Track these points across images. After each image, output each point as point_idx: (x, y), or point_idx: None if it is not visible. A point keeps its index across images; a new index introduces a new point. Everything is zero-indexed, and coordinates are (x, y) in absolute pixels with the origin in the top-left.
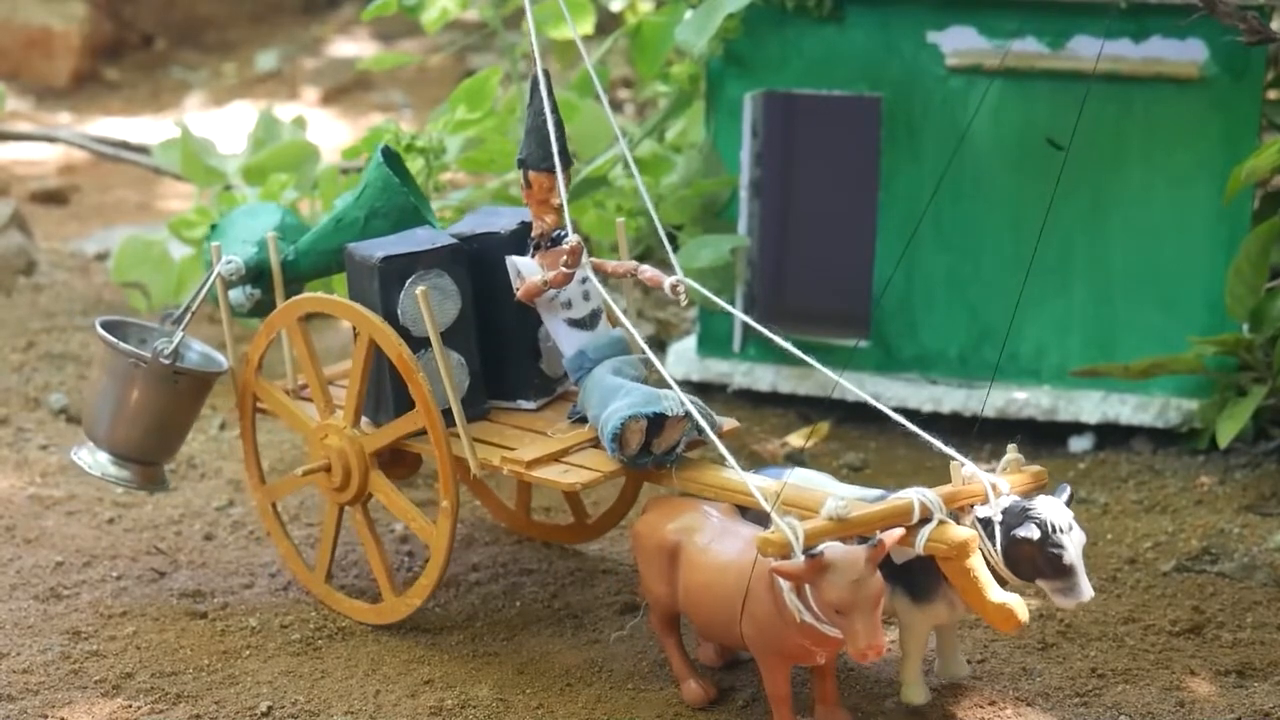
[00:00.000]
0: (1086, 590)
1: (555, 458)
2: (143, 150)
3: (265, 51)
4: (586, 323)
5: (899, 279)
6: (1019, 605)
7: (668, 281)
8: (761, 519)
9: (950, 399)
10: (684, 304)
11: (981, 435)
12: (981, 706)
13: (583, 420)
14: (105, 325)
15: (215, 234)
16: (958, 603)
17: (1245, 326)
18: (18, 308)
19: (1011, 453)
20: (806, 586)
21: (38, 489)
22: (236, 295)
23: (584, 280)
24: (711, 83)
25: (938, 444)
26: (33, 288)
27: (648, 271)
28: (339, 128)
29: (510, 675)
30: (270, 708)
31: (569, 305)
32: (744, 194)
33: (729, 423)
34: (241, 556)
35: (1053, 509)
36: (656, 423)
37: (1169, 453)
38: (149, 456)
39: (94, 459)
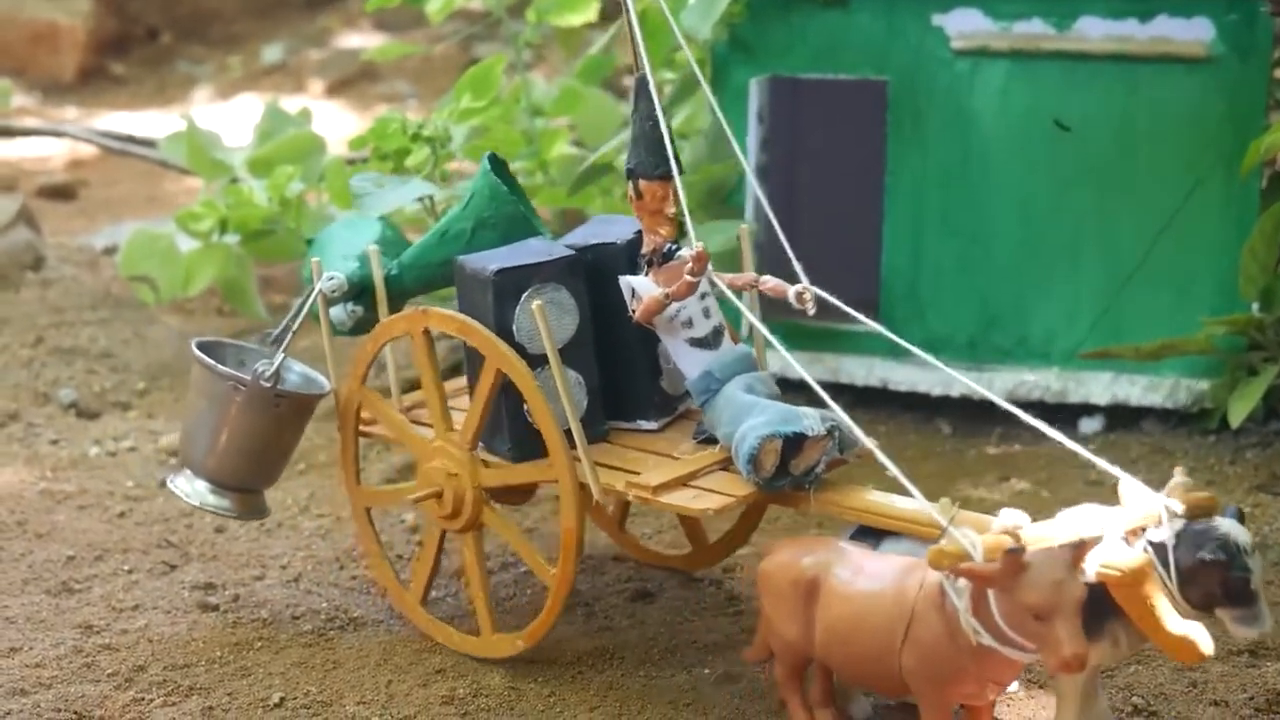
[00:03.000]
0: (1268, 619)
1: (683, 482)
2: (149, 144)
3: (270, 44)
4: (709, 341)
5: (906, 264)
6: (1202, 635)
7: (792, 291)
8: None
9: (959, 382)
10: (811, 312)
11: (992, 418)
12: None
13: (710, 440)
14: (201, 347)
15: (313, 249)
16: (1122, 640)
17: (1256, 306)
18: (26, 303)
19: (1179, 475)
20: (992, 603)
21: (49, 484)
22: (337, 313)
23: (703, 295)
24: (717, 68)
25: (1102, 463)
26: (41, 283)
27: (770, 282)
28: (345, 119)
29: (521, 664)
30: (283, 699)
31: (690, 324)
32: (751, 179)
33: (867, 441)
34: (253, 549)
35: (1236, 530)
36: (794, 442)
37: (1179, 434)
38: (249, 483)
39: (192, 487)
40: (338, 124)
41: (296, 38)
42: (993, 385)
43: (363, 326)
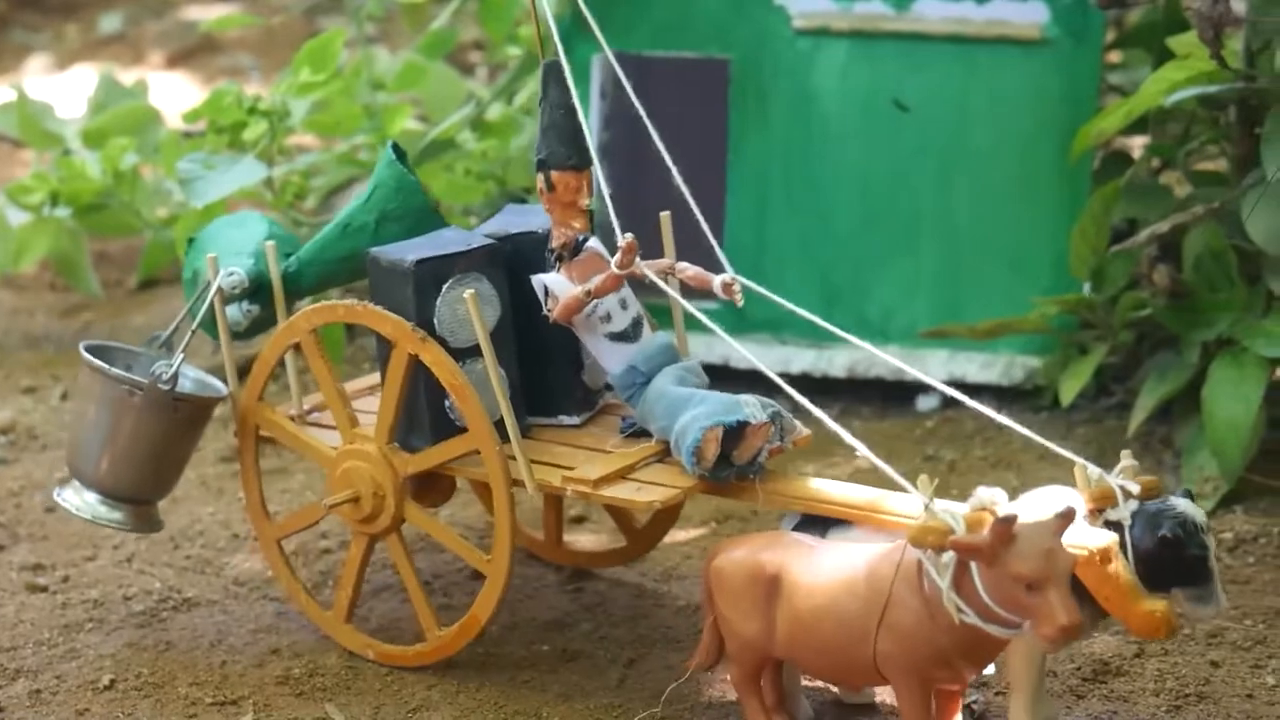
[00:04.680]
0: (1223, 598)
1: (621, 475)
2: None
3: (109, 14)
4: (630, 334)
5: (750, 241)
6: (1169, 610)
7: (717, 281)
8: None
9: (799, 360)
10: (739, 304)
11: (833, 395)
12: None
13: (641, 433)
14: (89, 350)
15: (195, 248)
16: (1086, 624)
17: (1087, 286)
18: None
19: (1126, 459)
20: (976, 578)
21: None
22: (232, 313)
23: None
24: (560, 45)
25: (1053, 446)
26: None
27: (689, 270)
28: (186, 91)
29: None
30: (113, 681)
31: (608, 319)
32: (594, 157)
33: (802, 430)
34: (84, 529)
35: (1191, 509)
36: (735, 431)
37: (1014, 410)
38: (142, 494)
39: (82, 500)
40: (178, 97)
41: (136, 7)
42: (833, 363)
43: (259, 327)
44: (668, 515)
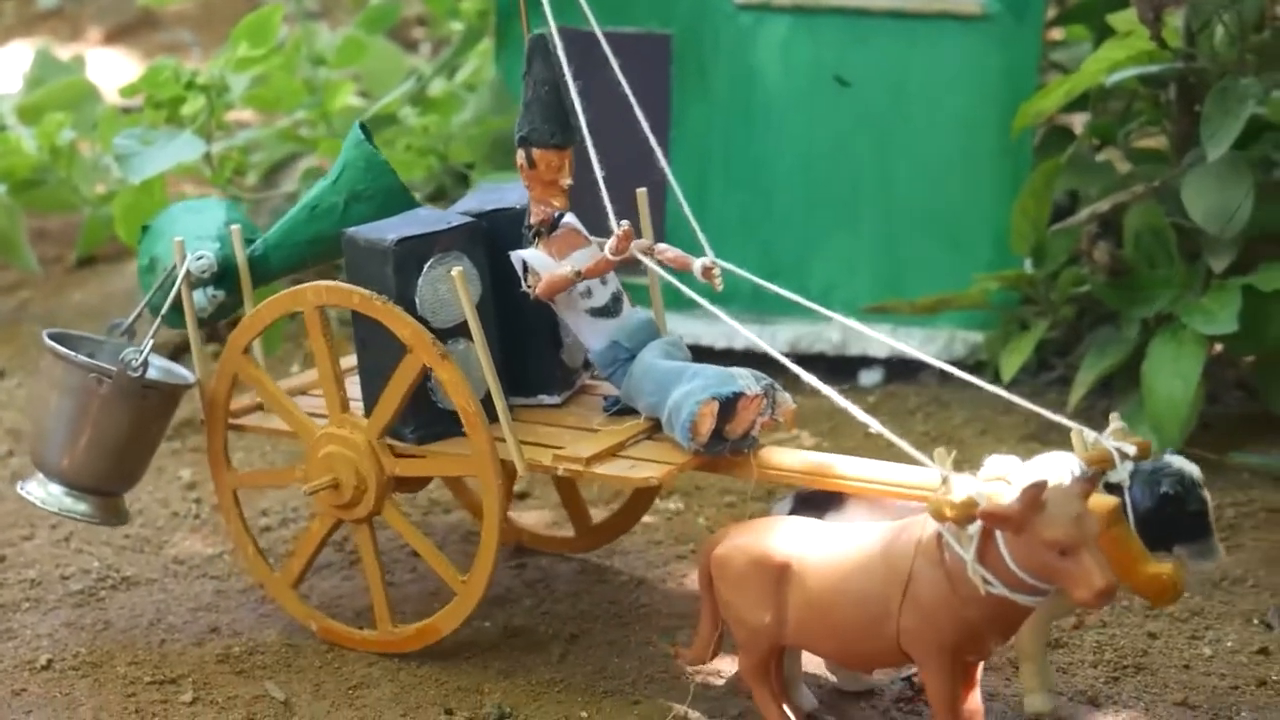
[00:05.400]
0: (1221, 550)
1: (612, 452)
2: None
3: None
4: (611, 309)
5: (692, 217)
6: (1177, 573)
7: (698, 264)
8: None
9: (742, 335)
10: (719, 289)
11: (775, 370)
12: None
13: (626, 411)
14: (52, 338)
15: (151, 234)
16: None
17: (1028, 262)
18: None
19: (1115, 421)
20: (1002, 547)
21: None
22: (197, 298)
23: None
24: (501, 19)
25: (1045, 412)
26: None
27: (669, 252)
28: (125, 67)
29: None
30: (50, 660)
31: (589, 294)
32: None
33: (789, 403)
34: (20, 508)
35: (1188, 465)
36: (728, 404)
37: (955, 385)
38: (109, 485)
39: (46, 492)
40: (117, 73)
41: None
42: (775, 338)
43: (224, 312)
44: (638, 505)
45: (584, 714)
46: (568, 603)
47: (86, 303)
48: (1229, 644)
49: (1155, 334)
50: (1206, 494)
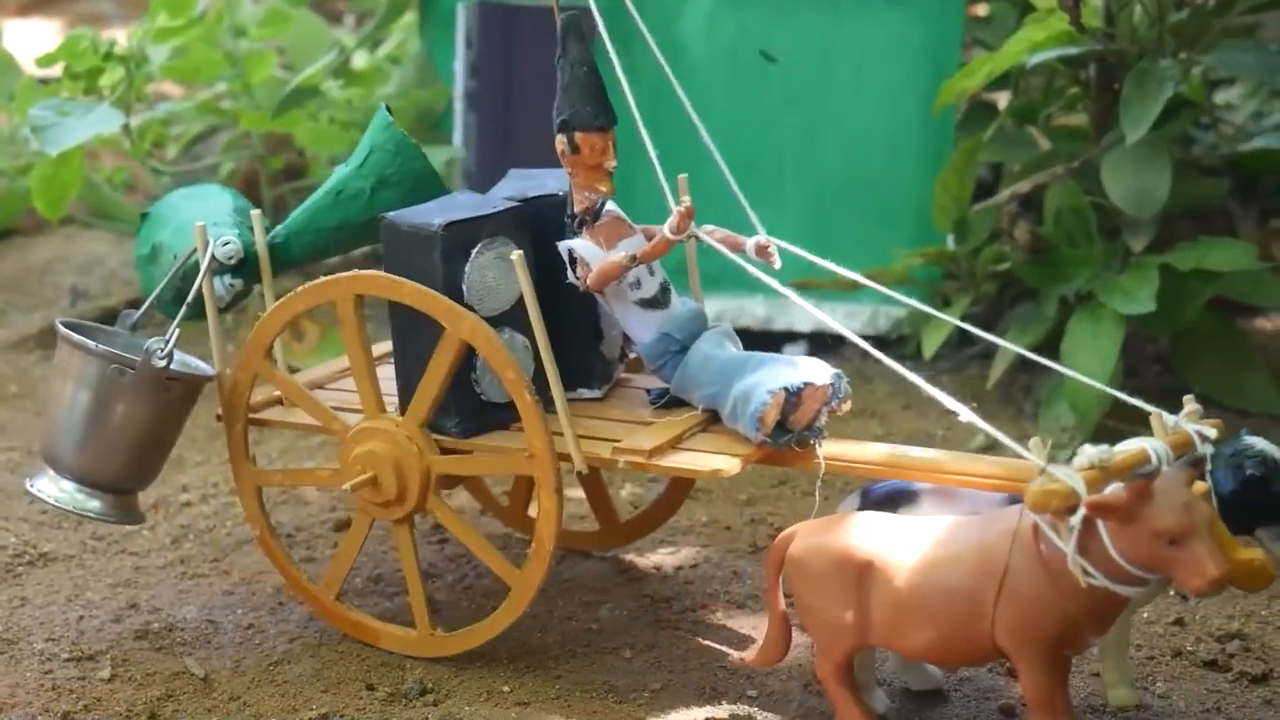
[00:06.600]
0: None
1: (672, 445)
2: None
3: None
4: (659, 300)
5: (619, 191)
6: (1269, 557)
7: (750, 243)
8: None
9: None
10: (777, 266)
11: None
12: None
13: (675, 403)
14: (68, 328)
15: (151, 221)
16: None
17: (950, 238)
18: None
19: (1190, 403)
20: (1105, 538)
21: None
22: (215, 286)
23: None
24: None
25: (1126, 398)
26: None
27: (719, 233)
28: (43, 37)
29: (219, 597)
30: None
31: (638, 285)
32: (458, 105)
33: (850, 393)
34: None
35: (1269, 446)
36: (793, 395)
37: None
38: (125, 482)
39: (58, 489)
40: (34, 43)
41: None
42: None
43: (239, 302)
44: (669, 502)
45: (506, 689)
46: (490, 577)
47: (3, 274)
48: (1145, 614)
49: (1074, 312)
50: None
